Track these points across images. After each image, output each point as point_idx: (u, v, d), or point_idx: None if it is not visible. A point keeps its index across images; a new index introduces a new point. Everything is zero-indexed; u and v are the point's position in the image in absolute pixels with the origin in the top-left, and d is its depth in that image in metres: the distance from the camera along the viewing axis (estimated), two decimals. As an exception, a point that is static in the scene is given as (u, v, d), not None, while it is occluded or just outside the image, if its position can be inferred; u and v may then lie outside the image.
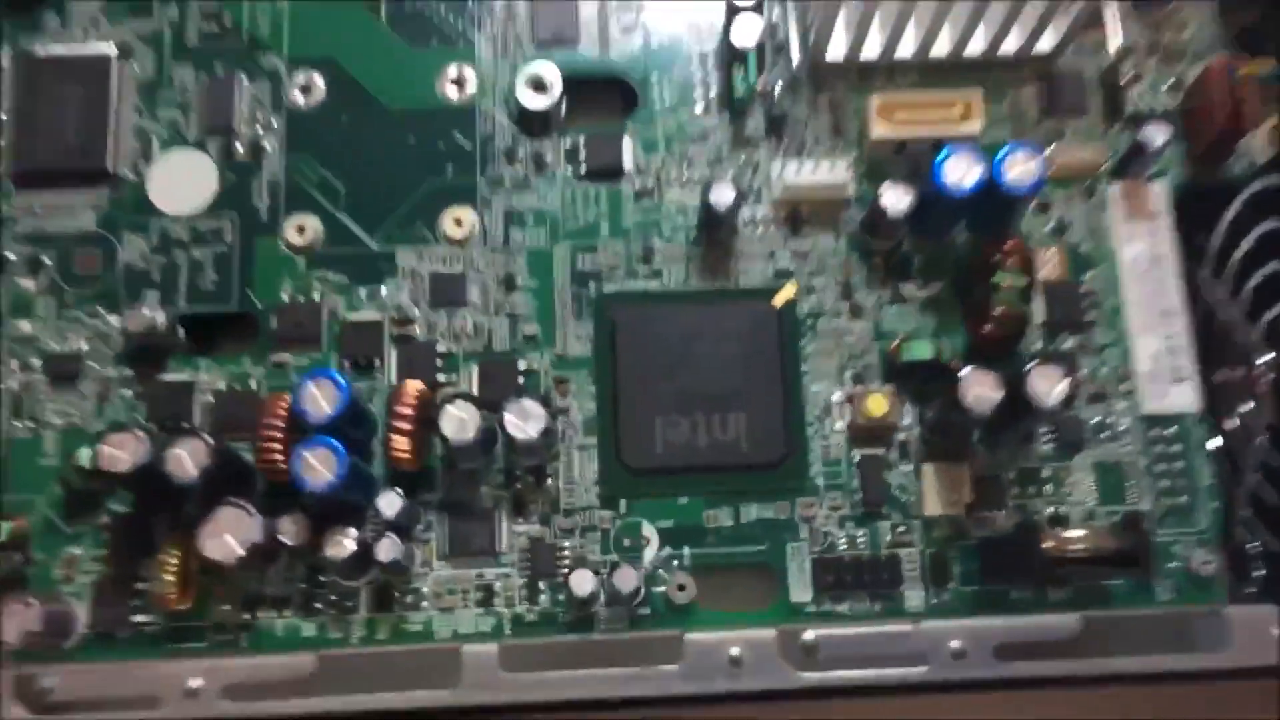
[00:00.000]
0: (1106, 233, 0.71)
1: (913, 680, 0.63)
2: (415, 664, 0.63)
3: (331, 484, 0.59)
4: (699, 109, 0.73)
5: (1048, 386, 0.61)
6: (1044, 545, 0.63)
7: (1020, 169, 0.64)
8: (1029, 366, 0.61)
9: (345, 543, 0.62)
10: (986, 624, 0.64)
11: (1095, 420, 0.68)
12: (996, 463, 0.68)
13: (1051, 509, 0.67)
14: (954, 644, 0.63)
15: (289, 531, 0.62)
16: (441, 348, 0.68)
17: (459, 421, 0.62)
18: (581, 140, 0.71)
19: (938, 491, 0.67)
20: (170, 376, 0.68)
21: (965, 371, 0.62)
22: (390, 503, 0.64)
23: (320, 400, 0.61)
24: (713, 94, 0.73)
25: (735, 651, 0.63)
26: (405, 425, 0.63)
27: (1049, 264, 0.70)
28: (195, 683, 0.62)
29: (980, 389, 0.62)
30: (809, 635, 0.63)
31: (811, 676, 0.62)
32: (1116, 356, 0.69)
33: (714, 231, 0.70)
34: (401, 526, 0.64)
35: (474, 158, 0.71)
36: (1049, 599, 0.66)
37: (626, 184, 0.71)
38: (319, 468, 0.59)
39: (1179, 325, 0.69)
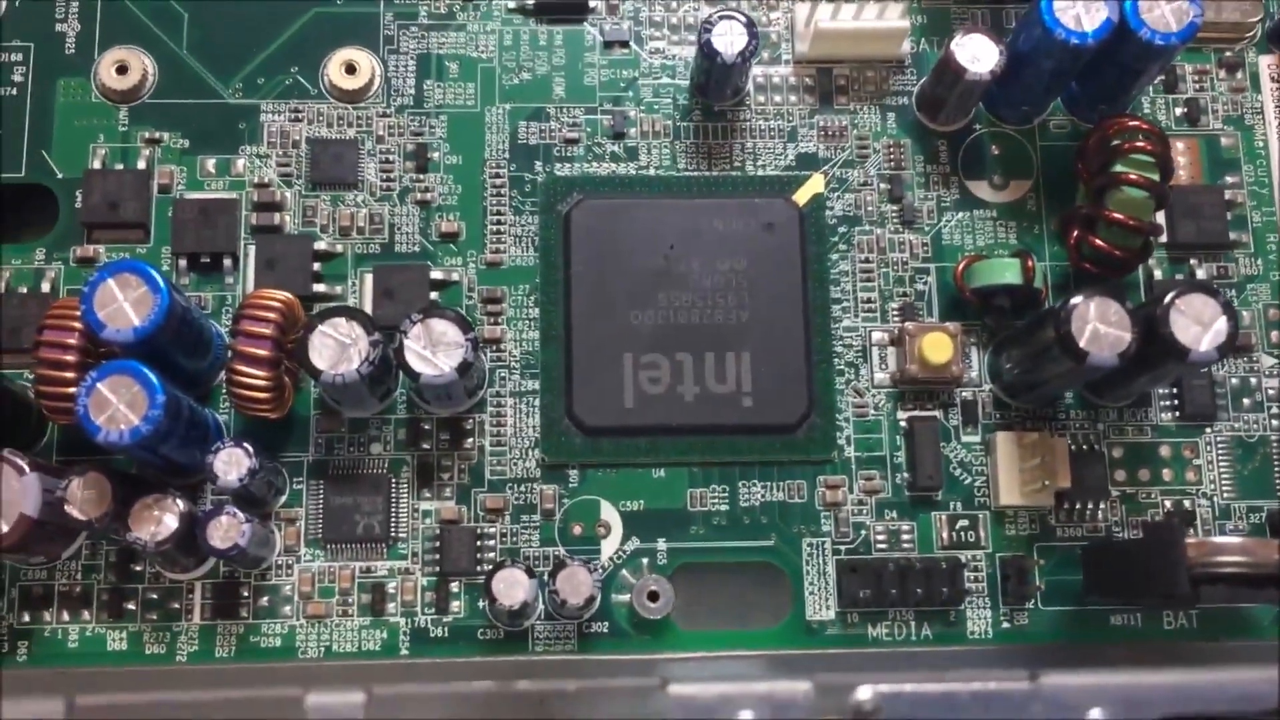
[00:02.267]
0: (1255, 121, 0.59)
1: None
2: (270, 694, 0.49)
3: (138, 431, 0.46)
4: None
5: (1198, 328, 0.48)
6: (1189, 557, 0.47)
7: (1164, 10, 0.52)
8: (1169, 297, 0.49)
9: (165, 518, 0.49)
10: (1142, 682, 0.47)
11: (1234, 381, 0.57)
12: (1096, 435, 0.55)
13: (1169, 502, 0.55)
14: (1095, 714, 0.46)
15: (80, 500, 0.48)
16: (321, 244, 0.56)
17: (338, 349, 0.49)
18: None
19: (1016, 472, 0.54)
20: None
21: (1078, 300, 0.48)
22: (233, 464, 0.49)
23: (125, 306, 0.47)
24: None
25: (746, 718, 0.46)
26: (260, 351, 0.50)
27: (1177, 161, 0.57)
28: None
29: (1102, 325, 0.48)
30: (863, 694, 0.47)
31: (870, 762, 0.49)
32: (1267, 293, 0.58)
33: (714, 97, 0.58)
34: (252, 498, 0.51)
35: None
36: (1165, 626, 0.54)
37: (592, 26, 0.60)
38: (120, 407, 0.46)
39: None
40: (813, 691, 0.48)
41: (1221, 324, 0.48)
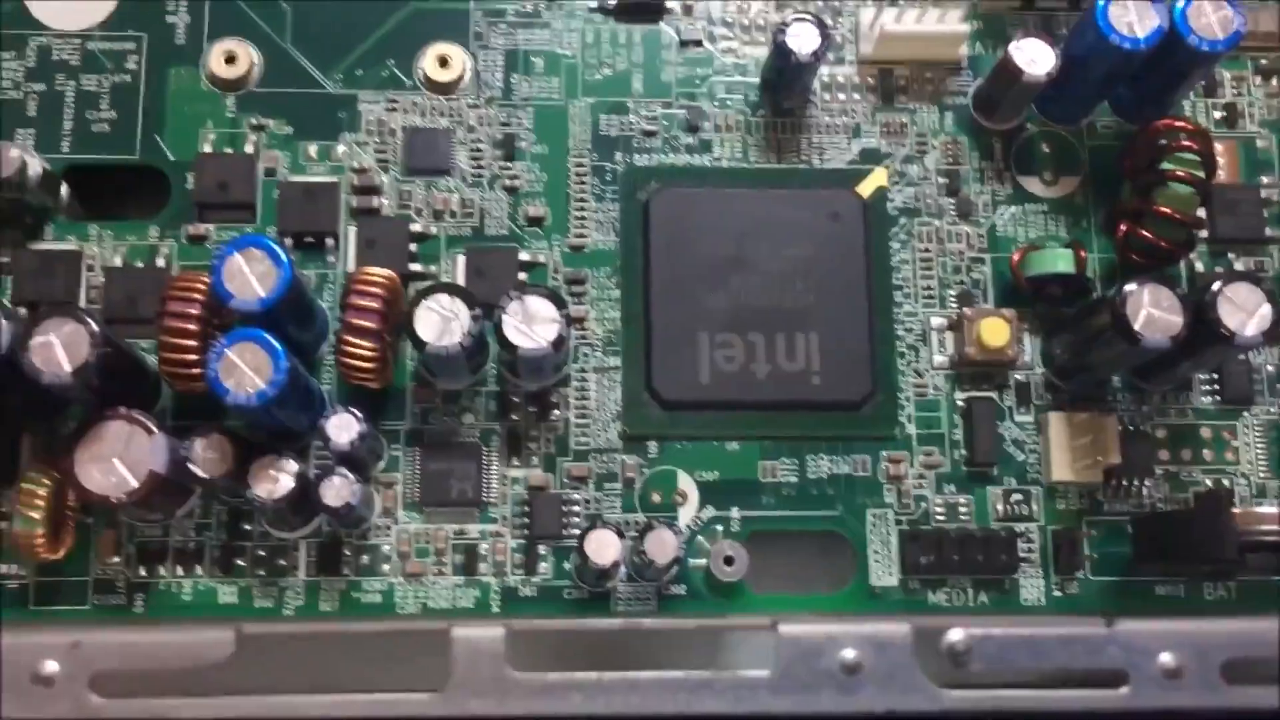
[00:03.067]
0: (1291, 124, 0.61)
1: (1109, 707, 0.48)
2: (377, 650, 0.53)
3: (264, 394, 0.48)
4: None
5: (1242, 315, 0.51)
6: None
7: (1210, 19, 0.54)
8: (1217, 285, 0.51)
9: (281, 478, 0.50)
10: (1205, 628, 0.50)
11: (1270, 368, 0.58)
12: (1142, 417, 0.57)
13: (1209, 481, 0.57)
14: (1165, 658, 0.48)
15: (203, 459, 0.50)
16: (416, 226, 0.57)
17: (441, 322, 0.51)
18: None
19: (1068, 449, 0.56)
20: (46, 245, 0.57)
21: (1132, 288, 0.51)
22: (344, 427, 0.51)
23: (251, 279, 0.49)
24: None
25: (850, 655, 0.49)
26: (368, 323, 0.52)
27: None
28: (48, 667, 0.51)
29: (1155, 311, 0.50)
30: (955, 635, 0.49)
31: (961, 696, 0.51)
32: (1301, 285, 0.59)
33: (783, 95, 0.59)
34: (358, 461, 0.52)
35: None
36: (1205, 596, 0.56)
37: (669, 25, 0.61)
38: (247, 372, 0.48)
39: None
40: (910, 633, 0.51)
41: (1266, 310, 0.50)
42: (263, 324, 0.49)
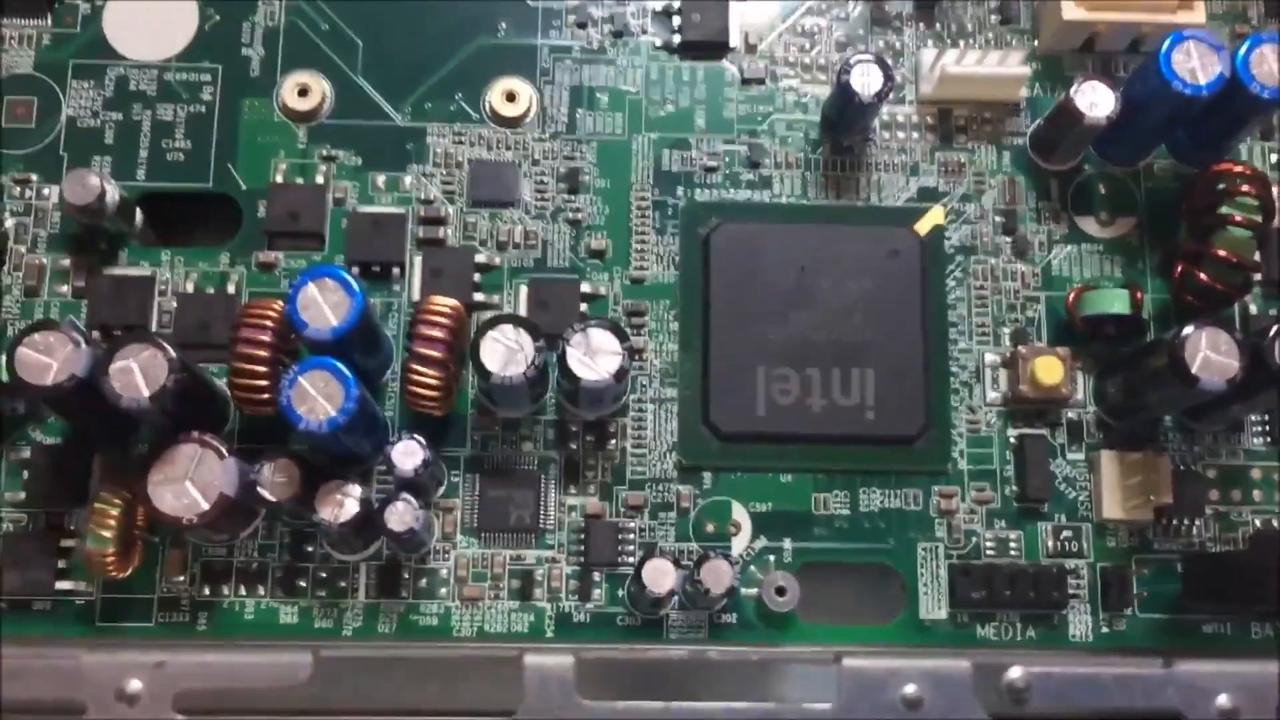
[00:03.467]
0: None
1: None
2: (448, 673, 0.53)
3: (335, 421, 0.49)
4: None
5: None
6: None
7: (1272, 66, 0.54)
8: (1275, 330, 0.51)
9: (347, 503, 0.51)
10: (1261, 670, 0.50)
11: None
12: (1193, 457, 0.57)
13: (1259, 521, 0.57)
14: (1222, 700, 0.48)
15: (272, 483, 0.51)
16: (481, 258, 0.58)
17: (506, 353, 0.51)
18: (676, 3, 0.61)
19: (1119, 488, 0.56)
20: (122, 271, 0.58)
21: (1189, 331, 0.51)
22: (409, 453, 0.52)
23: (324, 308, 0.50)
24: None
25: (911, 690, 0.49)
26: (435, 353, 0.52)
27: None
28: (133, 685, 0.51)
29: (1213, 354, 0.51)
30: (1015, 673, 0.50)
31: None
32: (1354, 329, 0.59)
33: (843, 133, 0.60)
34: (420, 487, 0.53)
35: (535, 15, 0.61)
36: (1252, 635, 0.56)
37: (732, 63, 0.61)
38: (319, 399, 0.49)
39: None
40: (971, 670, 0.51)
41: None
42: (333, 352, 0.50)
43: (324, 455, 0.53)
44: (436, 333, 0.52)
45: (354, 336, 0.50)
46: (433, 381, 0.52)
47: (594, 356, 0.51)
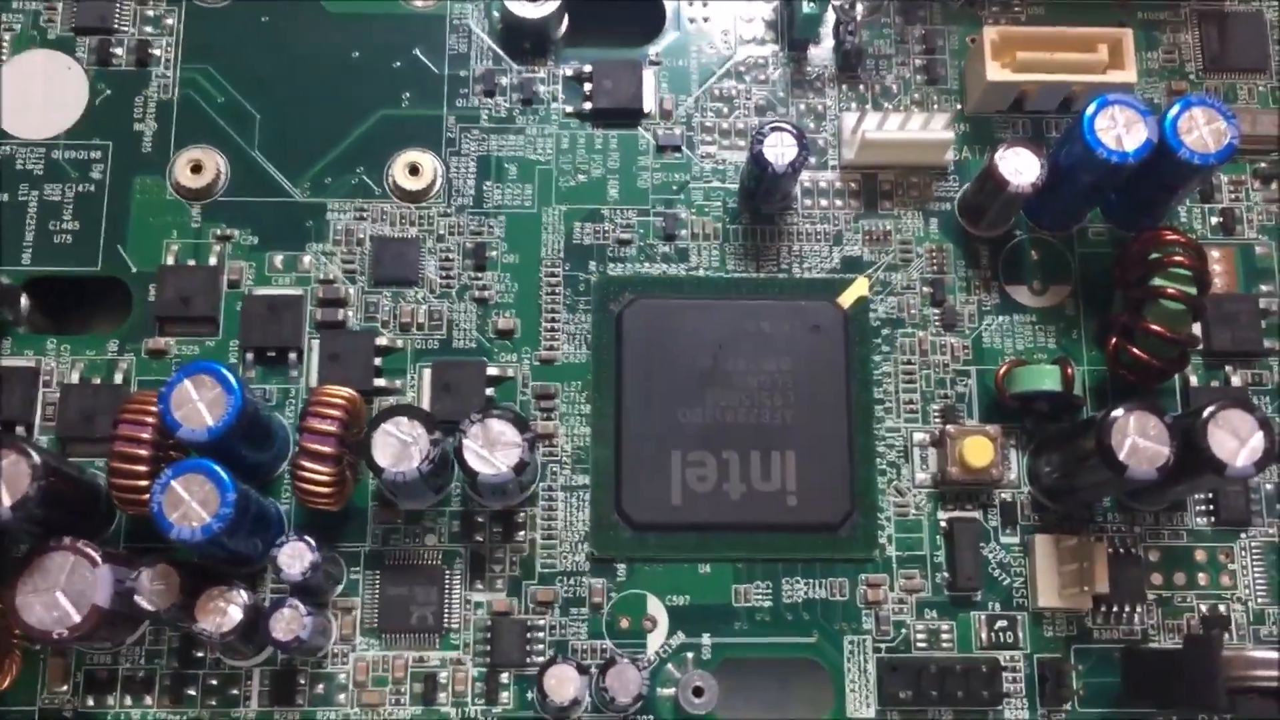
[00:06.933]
0: (1291, 231, 0.59)
1: None
2: None
3: (210, 529, 0.47)
4: (747, 34, 0.61)
5: (1235, 443, 0.49)
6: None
7: (1202, 131, 0.52)
8: (1209, 411, 0.49)
9: (230, 610, 0.49)
10: None
11: (1269, 487, 0.56)
12: (1133, 539, 0.55)
13: (1205, 607, 0.55)
14: None
15: (150, 591, 0.48)
16: (382, 340, 0.56)
17: (400, 446, 0.49)
18: (588, 68, 0.60)
19: (1054, 574, 0.54)
20: (6, 362, 0.56)
21: (1118, 414, 0.49)
22: (297, 556, 0.50)
23: (200, 406, 0.48)
24: (766, 16, 0.61)
25: None
26: (324, 448, 0.51)
27: (1213, 271, 0.57)
28: None
29: (1141, 440, 0.48)
30: None
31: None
32: (1301, 400, 0.57)
33: (763, 201, 0.58)
34: (314, 589, 0.51)
35: (440, 83, 0.60)
36: None
37: (646, 131, 0.60)
38: (193, 505, 0.47)
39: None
40: None
41: (1259, 440, 0.48)
42: (212, 453, 0.47)
43: (211, 559, 0.50)
44: (328, 426, 0.50)
45: (235, 434, 0.48)
46: (323, 478, 0.50)
47: (492, 449, 0.49)
